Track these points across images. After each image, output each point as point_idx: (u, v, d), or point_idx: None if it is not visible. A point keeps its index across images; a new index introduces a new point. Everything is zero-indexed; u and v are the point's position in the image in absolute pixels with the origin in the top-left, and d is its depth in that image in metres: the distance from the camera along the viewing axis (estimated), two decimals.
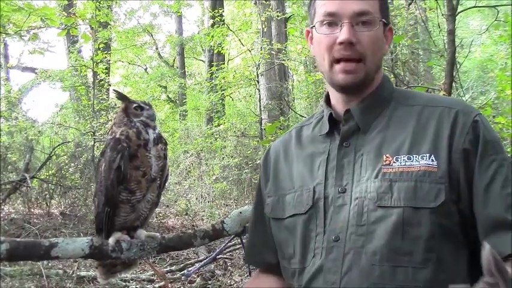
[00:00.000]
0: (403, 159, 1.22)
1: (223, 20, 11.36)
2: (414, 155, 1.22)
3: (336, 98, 1.39)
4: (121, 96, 1.89)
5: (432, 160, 1.20)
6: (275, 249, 1.44)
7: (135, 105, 1.85)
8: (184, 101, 16.18)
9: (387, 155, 1.24)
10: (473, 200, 1.19)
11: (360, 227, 1.21)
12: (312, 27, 1.38)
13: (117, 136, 1.79)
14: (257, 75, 9.21)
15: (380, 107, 1.34)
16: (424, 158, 1.21)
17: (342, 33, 1.27)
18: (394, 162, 1.23)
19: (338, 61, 1.30)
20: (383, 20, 1.32)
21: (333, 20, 1.30)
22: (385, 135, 1.29)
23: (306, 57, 11.44)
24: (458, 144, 1.21)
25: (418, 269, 1.17)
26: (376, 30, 1.30)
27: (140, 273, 5.35)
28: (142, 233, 1.90)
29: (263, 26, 9.96)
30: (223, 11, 11.87)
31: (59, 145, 8.76)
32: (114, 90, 1.93)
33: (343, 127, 1.34)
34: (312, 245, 1.29)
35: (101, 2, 9.92)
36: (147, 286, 5.07)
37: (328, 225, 1.27)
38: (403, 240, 1.17)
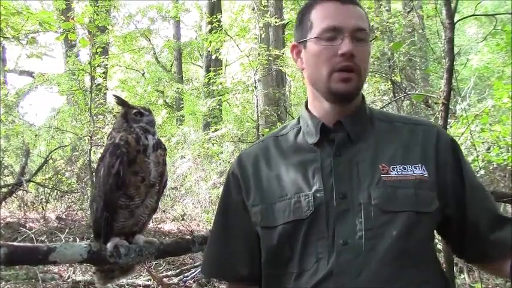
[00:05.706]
0: (399, 169, 1.33)
1: (221, 26, 11.36)
2: (408, 165, 1.34)
3: (325, 110, 1.43)
4: (121, 102, 1.88)
5: (424, 170, 1.33)
6: (248, 261, 1.44)
7: (135, 111, 1.84)
8: (181, 106, 16.19)
9: (383, 165, 1.34)
10: (466, 202, 1.36)
11: (369, 231, 1.27)
12: (302, 41, 1.44)
13: (117, 141, 1.78)
14: (254, 81, 9.19)
15: (366, 120, 1.44)
16: (417, 168, 1.33)
17: (345, 46, 1.34)
18: (391, 171, 1.33)
19: (337, 71, 1.36)
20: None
21: (334, 35, 1.36)
22: (376, 146, 1.38)
23: None
24: (443, 158, 1.37)
25: (422, 270, 1.28)
26: (368, 46, 1.41)
27: (136, 278, 5.33)
28: (140, 238, 1.90)
29: (261, 32, 9.97)
30: (221, 17, 11.88)
31: (55, 149, 8.78)
32: (114, 95, 1.92)
33: (337, 137, 1.39)
34: (311, 249, 1.31)
35: (99, 6, 9.91)
36: None
37: (331, 230, 1.30)
38: (409, 243, 1.27)
